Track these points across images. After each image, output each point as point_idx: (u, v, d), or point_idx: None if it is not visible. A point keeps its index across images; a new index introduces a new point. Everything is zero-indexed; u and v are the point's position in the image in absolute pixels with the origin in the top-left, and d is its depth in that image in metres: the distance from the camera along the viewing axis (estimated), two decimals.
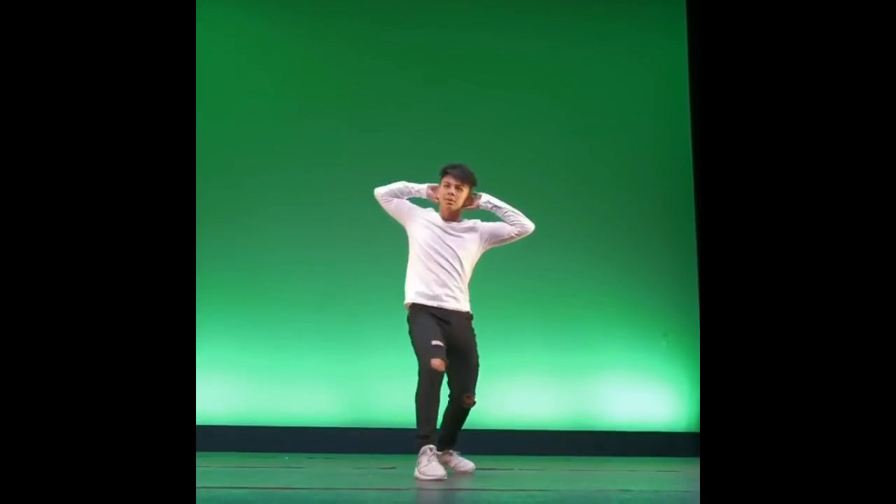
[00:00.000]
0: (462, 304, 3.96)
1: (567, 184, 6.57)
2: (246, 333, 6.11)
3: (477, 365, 3.93)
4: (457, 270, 3.96)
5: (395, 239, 5.95)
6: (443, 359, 3.64)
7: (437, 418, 3.65)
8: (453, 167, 3.99)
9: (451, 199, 3.95)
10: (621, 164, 6.65)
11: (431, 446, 3.59)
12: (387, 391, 6.12)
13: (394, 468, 4.38)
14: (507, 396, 6.26)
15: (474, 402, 3.89)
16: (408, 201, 4.06)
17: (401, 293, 4.12)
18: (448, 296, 3.90)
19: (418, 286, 3.93)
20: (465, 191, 3.98)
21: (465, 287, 4.00)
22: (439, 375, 3.61)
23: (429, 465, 3.53)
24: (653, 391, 6.35)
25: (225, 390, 6.02)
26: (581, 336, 6.33)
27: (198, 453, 4.81)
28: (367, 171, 6.38)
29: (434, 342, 3.67)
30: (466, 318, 3.96)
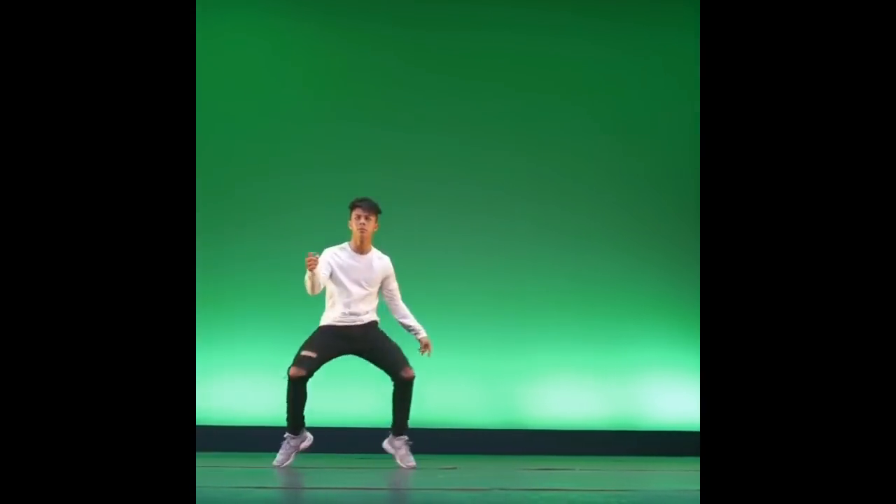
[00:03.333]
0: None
1: (601, 182, 6.55)
2: (280, 335, 6.13)
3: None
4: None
5: (406, 235, 5.96)
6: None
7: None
8: (361, 200, 4.49)
9: (362, 228, 4.44)
10: (656, 161, 6.61)
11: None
12: (429, 392, 6.15)
13: (455, 468, 4.42)
14: (548, 396, 6.31)
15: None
16: (322, 270, 4.37)
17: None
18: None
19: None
20: (373, 220, 4.47)
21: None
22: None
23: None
24: (693, 390, 6.39)
25: (263, 391, 6.04)
26: (621, 335, 6.34)
27: (252, 454, 4.86)
28: (395, 171, 6.42)
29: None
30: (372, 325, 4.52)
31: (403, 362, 4.39)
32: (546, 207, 6.45)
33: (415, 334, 4.60)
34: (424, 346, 4.57)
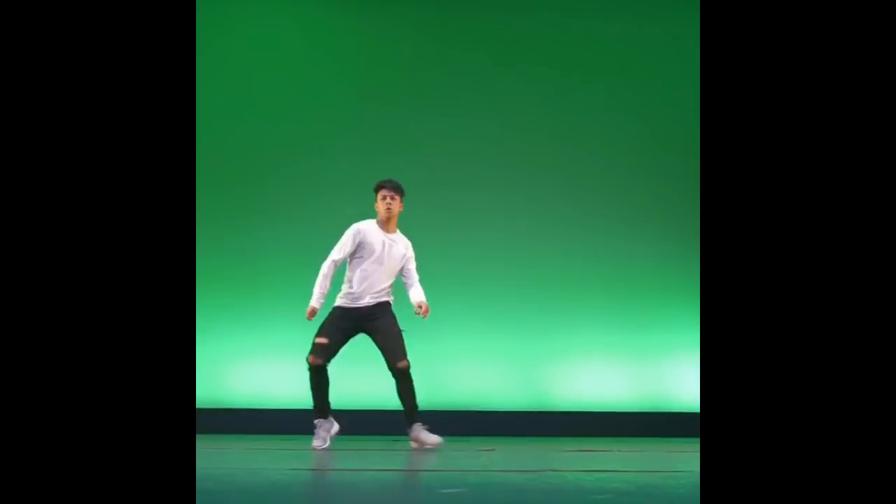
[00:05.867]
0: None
1: (632, 165, 6.52)
2: (317, 318, 6.13)
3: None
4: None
5: (434, 218, 5.94)
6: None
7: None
8: (386, 181, 4.62)
9: (388, 208, 4.57)
10: (684, 142, 6.56)
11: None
12: (459, 374, 6.18)
13: (493, 450, 4.44)
14: (578, 379, 6.32)
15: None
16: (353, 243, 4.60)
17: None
18: None
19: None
20: (398, 200, 4.61)
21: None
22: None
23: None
24: None
25: (292, 374, 6.06)
26: (651, 317, 6.33)
27: (283, 436, 4.87)
28: (422, 154, 6.40)
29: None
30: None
31: (399, 352, 4.45)
32: (577, 190, 6.44)
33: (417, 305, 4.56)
34: (419, 308, 4.52)
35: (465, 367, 6.20)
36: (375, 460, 3.84)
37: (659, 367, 6.33)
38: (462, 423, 6.02)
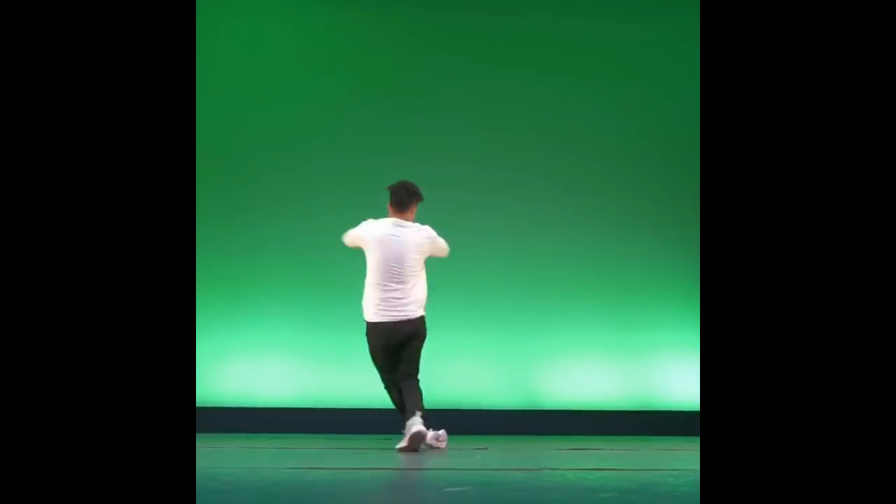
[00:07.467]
0: None
1: (621, 164, 6.52)
2: (311, 317, 6.12)
3: None
4: None
5: (424, 218, 5.90)
6: None
7: None
8: (396, 190, 4.48)
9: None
10: (672, 143, 6.58)
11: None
12: (450, 372, 6.17)
13: (486, 449, 4.44)
14: (566, 377, 6.32)
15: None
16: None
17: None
18: None
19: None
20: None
21: None
22: None
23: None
24: None
25: (292, 373, 6.04)
26: (642, 316, 6.34)
27: (289, 435, 4.85)
28: (415, 154, 6.38)
29: None
30: None
31: (408, 373, 4.34)
32: (565, 189, 6.43)
33: None
34: None
35: (455, 365, 6.18)
36: (370, 459, 3.82)
37: (648, 365, 6.34)
38: (452, 422, 6.00)
